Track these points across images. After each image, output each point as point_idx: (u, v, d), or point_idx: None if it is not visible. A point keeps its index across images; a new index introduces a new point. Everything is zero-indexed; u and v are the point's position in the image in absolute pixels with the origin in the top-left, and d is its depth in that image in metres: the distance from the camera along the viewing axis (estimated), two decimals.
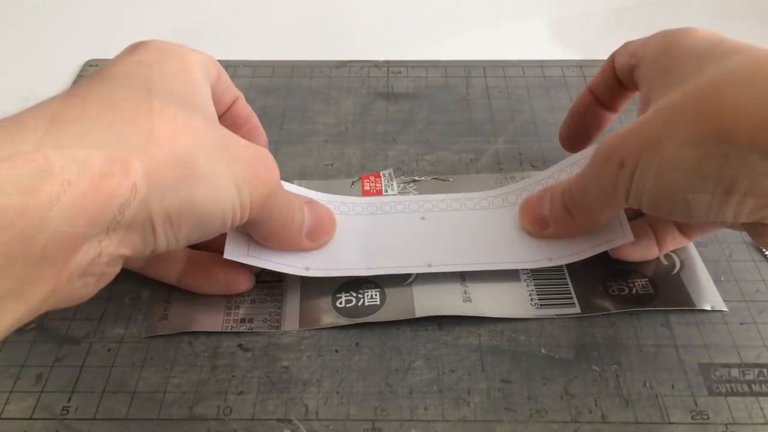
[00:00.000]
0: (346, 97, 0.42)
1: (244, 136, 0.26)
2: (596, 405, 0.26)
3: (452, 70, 0.44)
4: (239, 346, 0.28)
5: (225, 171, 0.23)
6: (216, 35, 0.48)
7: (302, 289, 0.30)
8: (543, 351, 0.28)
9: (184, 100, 0.24)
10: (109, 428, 0.26)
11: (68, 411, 0.26)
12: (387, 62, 0.45)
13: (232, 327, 0.29)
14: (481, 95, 0.42)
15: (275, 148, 0.38)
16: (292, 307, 0.30)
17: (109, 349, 0.28)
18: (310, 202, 0.31)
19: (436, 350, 0.28)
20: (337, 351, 0.28)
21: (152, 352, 0.28)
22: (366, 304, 0.30)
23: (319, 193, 0.33)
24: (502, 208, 0.33)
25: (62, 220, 0.19)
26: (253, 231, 0.28)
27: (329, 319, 0.29)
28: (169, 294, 0.30)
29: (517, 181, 0.35)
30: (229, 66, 0.44)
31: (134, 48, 0.25)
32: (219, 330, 0.29)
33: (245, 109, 0.31)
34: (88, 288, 0.22)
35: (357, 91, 0.42)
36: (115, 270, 0.22)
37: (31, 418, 0.26)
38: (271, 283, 0.30)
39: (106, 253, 0.21)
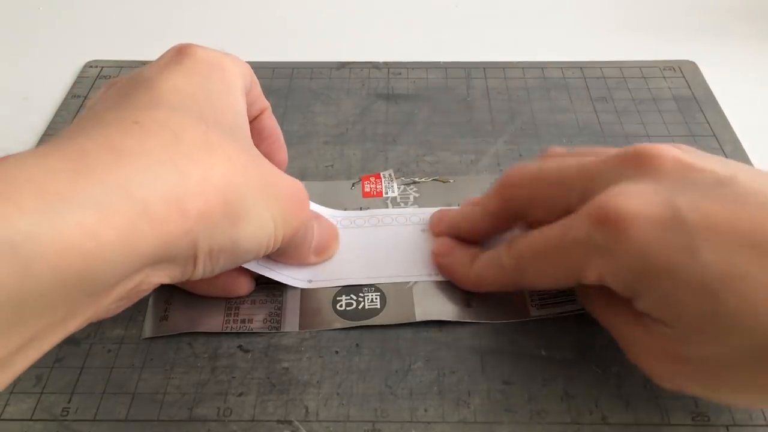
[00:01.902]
0: (346, 98, 0.42)
1: (265, 151, 0.26)
2: (596, 406, 0.26)
3: (452, 71, 0.44)
4: (239, 347, 0.28)
5: (266, 209, 0.24)
6: (216, 36, 0.48)
7: (302, 292, 0.30)
8: (543, 352, 0.28)
9: (232, 128, 0.24)
10: (109, 429, 0.26)
11: (68, 412, 0.26)
12: (387, 63, 0.45)
13: (231, 328, 0.29)
14: (481, 96, 0.42)
15: None
16: (292, 309, 0.30)
17: (109, 351, 0.28)
18: (317, 217, 0.31)
19: (436, 351, 0.28)
20: (337, 352, 0.28)
21: (152, 354, 0.28)
22: (366, 307, 0.30)
23: (322, 208, 0.33)
24: None
25: (118, 261, 0.19)
26: None
27: (329, 321, 0.29)
28: (169, 295, 0.30)
29: None
30: None
31: (179, 58, 0.25)
32: (219, 331, 0.29)
33: (270, 122, 0.31)
34: (119, 308, 0.22)
35: (357, 92, 0.42)
36: (149, 292, 0.23)
37: (31, 419, 0.26)
38: (271, 284, 0.31)
39: (147, 282, 0.21)
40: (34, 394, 0.27)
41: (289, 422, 0.26)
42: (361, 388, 0.27)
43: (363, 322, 0.29)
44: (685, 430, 0.25)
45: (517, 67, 0.44)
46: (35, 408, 0.26)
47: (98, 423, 0.26)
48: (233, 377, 0.27)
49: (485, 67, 0.44)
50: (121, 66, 0.45)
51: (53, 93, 0.43)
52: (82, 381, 0.27)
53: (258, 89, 0.29)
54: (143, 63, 0.45)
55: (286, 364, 0.28)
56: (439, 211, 0.33)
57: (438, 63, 0.45)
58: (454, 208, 0.33)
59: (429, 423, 0.26)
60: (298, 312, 0.30)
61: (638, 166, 0.24)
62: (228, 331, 0.29)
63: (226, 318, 0.29)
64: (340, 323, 0.29)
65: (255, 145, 0.26)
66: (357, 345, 0.29)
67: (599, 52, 0.46)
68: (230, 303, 0.30)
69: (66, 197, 0.18)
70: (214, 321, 0.29)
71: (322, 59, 0.45)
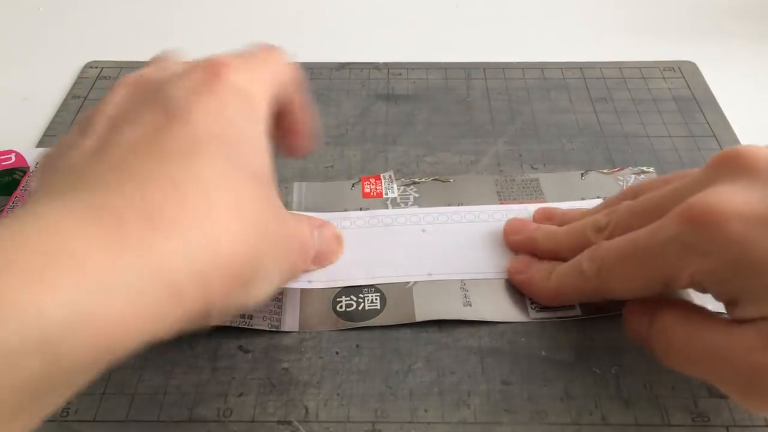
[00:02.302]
0: (346, 98, 0.42)
1: (283, 142, 0.27)
2: (596, 407, 0.26)
3: (452, 72, 0.44)
4: (239, 347, 0.28)
5: (277, 266, 0.24)
6: (216, 37, 0.48)
7: (302, 292, 0.30)
8: (543, 353, 0.28)
9: (257, 174, 0.24)
10: (109, 430, 0.26)
11: (68, 413, 0.26)
12: (387, 64, 0.45)
13: (231, 322, 0.29)
14: (481, 97, 0.42)
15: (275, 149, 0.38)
16: (292, 309, 0.30)
17: None
18: (321, 225, 0.31)
19: (436, 352, 0.28)
20: (337, 353, 0.28)
21: (152, 354, 0.28)
22: (366, 308, 0.30)
23: (322, 214, 0.33)
24: (502, 222, 0.33)
25: (137, 339, 0.19)
26: None
27: (329, 322, 0.29)
28: None
29: (516, 183, 0.35)
30: None
31: (210, 83, 0.24)
32: (219, 324, 0.29)
33: (296, 115, 0.30)
34: None
35: (357, 93, 0.42)
36: None
37: None
38: None
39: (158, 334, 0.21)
40: None
41: (289, 423, 0.26)
42: (361, 388, 0.27)
43: (363, 323, 0.29)
44: (685, 431, 0.25)
45: (517, 67, 0.44)
46: None
47: (98, 423, 0.26)
48: (233, 378, 0.27)
49: (485, 68, 0.44)
50: (121, 66, 0.45)
51: (53, 93, 0.43)
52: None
53: (292, 86, 0.28)
54: (143, 63, 0.45)
55: (286, 365, 0.28)
56: (514, 220, 0.32)
57: (438, 63, 0.45)
58: (530, 220, 0.32)
59: (429, 423, 0.26)
60: (298, 312, 0.30)
61: (729, 169, 0.23)
62: (228, 325, 0.29)
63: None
64: (341, 324, 0.29)
65: (273, 136, 0.26)
66: (357, 346, 0.29)
67: (599, 53, 0.46)
68: None
69: (102, 280, 0.17)
70: None
71: (322, 60, 0.45)
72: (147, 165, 0.21)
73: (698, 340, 0.23)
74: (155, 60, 0.28)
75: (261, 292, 0.24)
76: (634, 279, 0.25)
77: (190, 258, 0.20)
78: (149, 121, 0.22)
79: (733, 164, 0.23)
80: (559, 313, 0.29)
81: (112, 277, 0.18)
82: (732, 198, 0.22)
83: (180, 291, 0.19)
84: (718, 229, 0.22)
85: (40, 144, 0.39)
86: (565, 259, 0.28)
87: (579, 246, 0.28)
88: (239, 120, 0.24)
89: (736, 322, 0.23)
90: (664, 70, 0.44)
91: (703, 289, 0.24)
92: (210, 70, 0.24)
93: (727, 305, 0.23)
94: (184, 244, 0.20)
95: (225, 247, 0.21)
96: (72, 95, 0.42)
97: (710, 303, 0.25)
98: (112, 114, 0.24)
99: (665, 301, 0.26)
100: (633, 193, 0.28)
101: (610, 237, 0.26)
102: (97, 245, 0.18)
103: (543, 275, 0.29)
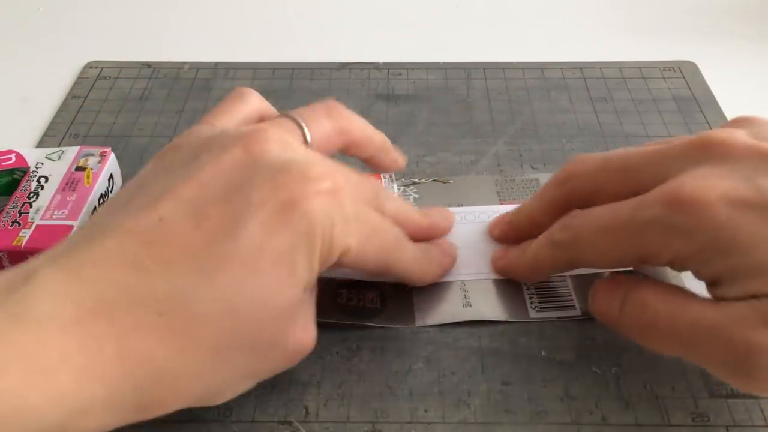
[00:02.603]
0: (346, 98, 0.42)
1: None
2: (597, 407, 0.26)
3: (452, 72, 0.44)
4: None
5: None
6: (216, 37, 0.48)
7: None
8: (543, 353, 0.28)
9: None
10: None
11: None
12: (387, 64, 0.45)
13: None
14: (481, 97, 0.42)
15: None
16: None
17: None
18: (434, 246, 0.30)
19: (436, 352, 0.28)
20: (337, 353, 0.28)
21: None
22: (367, 305, 0.30)
23: None
24: None
25: None
26: None
27: (331, 314, 0.29)
28: None
29: (516, 184, 0.35)
30: (230, 68, 0.44)
31: (286, 215, 0.22)
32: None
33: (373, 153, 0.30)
34: None
35: (357, 93, 0.42)
36: None
37: None
38: None
39: None
40: None
41: (289, 423, 0.26)
42: (361, 388, 0.27)
43: (363, 321, 0.29)
44: (685, 431, 0.25)
45: (517, 67, 0.44)
46: None
47: None
48: None
49: (485, 68, 0.44)
50: (121, 66, 0.45)
51: (53, 93, 0.43)
52: None
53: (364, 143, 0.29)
54: (143, 63, 0.45)
55: None
56: (498, 215, 0.33)
57: (438, 63, 0.45)
58: (512, 210, 0.32)
59: (429, 423, 0.26)
60: None
61: (708, 152, 0.24)
62: None
63: None
64: (342, 319, 0.29)
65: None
66: (357, 346, 0.29)
67: (599, 53, 0.46)
68: None
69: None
70: None
71: (322, 60, 0.45)
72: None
73: (683, 317, 0.23)
74: (229, 108, 0.27)
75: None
76: (611, 252, 0.25)
77: None
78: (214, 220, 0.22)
79: (717, 148, 0.24)
80: (559, 313, 0.29)
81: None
82: (717, 182, 0.23)
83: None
84: (704, 213, 0.22)
85: (40, 144, 0.39)
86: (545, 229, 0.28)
87: (552, 215, 0.28)
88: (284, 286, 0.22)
89: (723, 300, 0.23)
90: (664, 70, 0.44)
91: (682, 268, 0.24)
92: (289, 200, 0.22)
93: (709, 284, 0.23)
94: None
95: None
96: (72, 95, 0.42)
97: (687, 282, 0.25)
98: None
99: (637, 279, 0.26)
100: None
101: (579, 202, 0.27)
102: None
103: (519, 253, 0.29)
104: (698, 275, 0.24)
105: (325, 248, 0.22)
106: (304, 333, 0.24)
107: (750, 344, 0.22)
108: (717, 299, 0.23)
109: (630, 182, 0.25)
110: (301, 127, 0.26)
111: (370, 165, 0.30)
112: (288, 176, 0.22)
